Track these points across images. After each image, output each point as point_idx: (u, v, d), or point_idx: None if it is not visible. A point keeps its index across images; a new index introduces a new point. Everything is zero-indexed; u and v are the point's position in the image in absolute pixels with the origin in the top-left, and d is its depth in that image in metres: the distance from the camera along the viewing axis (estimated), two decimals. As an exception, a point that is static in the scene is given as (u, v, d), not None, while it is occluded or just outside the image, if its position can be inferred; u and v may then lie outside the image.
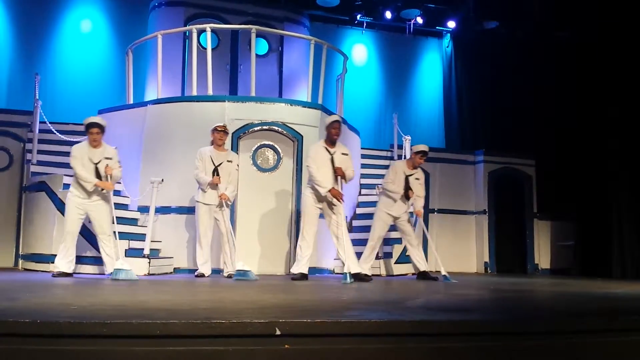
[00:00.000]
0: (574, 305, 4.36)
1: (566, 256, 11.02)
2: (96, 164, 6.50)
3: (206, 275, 7.10)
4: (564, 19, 11.32)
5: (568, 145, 11.03)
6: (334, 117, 7.11)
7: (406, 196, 7.58)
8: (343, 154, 6.96)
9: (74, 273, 6.61)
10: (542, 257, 11.29)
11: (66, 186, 7.67)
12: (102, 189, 6.49)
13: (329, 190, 6.72)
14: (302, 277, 6.72)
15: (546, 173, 11.38)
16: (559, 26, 11.59)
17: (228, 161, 7.21)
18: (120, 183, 7.21)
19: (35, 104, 8.60)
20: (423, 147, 7.72)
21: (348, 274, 6.31)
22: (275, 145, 8.34)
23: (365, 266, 7.48)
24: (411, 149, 8.06)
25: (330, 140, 6.93)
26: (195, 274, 7.12)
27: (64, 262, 6.46)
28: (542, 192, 11.35)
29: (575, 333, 3.05)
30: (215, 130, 7.22)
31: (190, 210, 7.81)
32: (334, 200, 6.79)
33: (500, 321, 3.13)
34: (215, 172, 7.07)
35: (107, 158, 6.58)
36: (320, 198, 6.83)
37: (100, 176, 6.50)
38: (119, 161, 6.80)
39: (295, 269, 6.84)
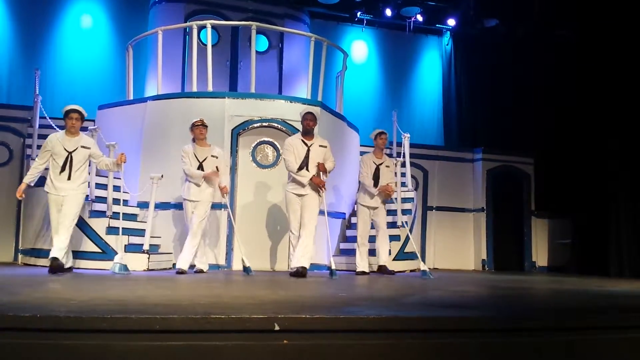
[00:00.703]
0: (572, 302, 4.39)
1: (563, 254, 11.06)
2: (70, 152, 6.24)
3: (205, 270, 7.09)
4: (564, 17, 11.33)
5: (567, 143, 11.05)
6: (308, 108, 7.08)
7: (376, 185, 7.68)
8: (321, 146, 6.86)
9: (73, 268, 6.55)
10: (540, 255, 11.33)
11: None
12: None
13: (311, 179, 6.66)
14: (302, 270, 6.51)
15: (545, 171, 11.42)
16: (559, 24, 11.60)
17: (212, 156, 7.02)
18: (120, 179, 7.14)
19: (35, 99, 8.60)
20: (378, 130, 7.97)
21: (299, 269, 6.46)
22: (275, 142, 8.35)
23: (363, 264, 7.58)
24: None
25: (306, 132, 6.85)
26: (195, 269, 7.05)
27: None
28: (541, 190, 11.39)
29: (572, 330, 3.08)
30: (193, 125, 7.02)
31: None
32: (319, 191, 6.71)
33: (498, 318, 3.15)
34: (200, 168, 6.92)
35: (83, 147, 6.32)
36: (300, 193, 6.72)
37: (72, 166, 6.23)
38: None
39: (293, 264, 6.69)
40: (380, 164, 7.77)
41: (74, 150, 6.26)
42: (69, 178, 6.23)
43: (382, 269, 7.69)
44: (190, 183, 6.95)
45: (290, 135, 8.33)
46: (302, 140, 6.81)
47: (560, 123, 11.30)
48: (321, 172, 6.75)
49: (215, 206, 7.93)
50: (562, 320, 3.19)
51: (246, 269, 6.81)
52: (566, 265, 10.80)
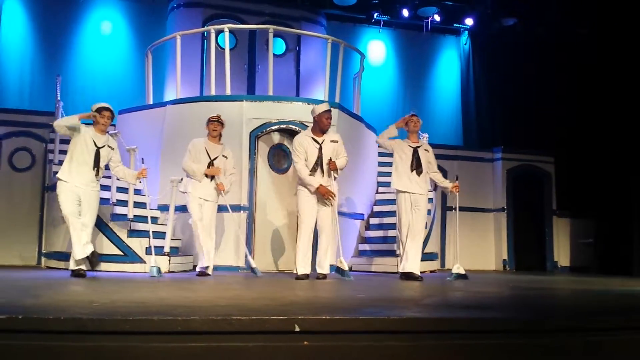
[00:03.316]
0: (594, 302, 4.33)
1: (586, 254, 10.93)
2: (99, 148, 6.17)
3: (205, 266, 6.98)
4: (584, 15, 11.20)
5: (588, 142, 10.92)
6: (325, 106, 6.48)
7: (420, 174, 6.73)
8: (332, 141, 6.44)
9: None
10: (562, 255, 11.21)
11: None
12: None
13: (317, 189, 6.25)
14: (305, 277, 6.28)
15: (566, 170, 11.28)
16: (578, 22, 11.47)
17: (223, 156, 6.92)
18: (141, 182, 7.18)
19: (56, 104, 8.73)
20: (408, 115, 7.04)
21: (346, 271, 6.22)
22: (287, 146, 8.43)
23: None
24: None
25: (321, 130, 6.43)
26: (198, 271, 6.92)
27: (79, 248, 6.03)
28: (562, 189, 11.26)
29: (595, 331, 3.03)
30: (209, 121, 6.91)
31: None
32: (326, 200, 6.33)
33: (519, 319, 3.12)
34: (211, 165, 6.81)
35: (109, 146, 6.28)
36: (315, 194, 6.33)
37: (99, 163, 6.16)
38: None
39: (298, 269, 6.38)
40: (418, 147, 6.79)
41: (102, 147, 6.20)
42: (97, 174, 6.17)
43: (408, 275, 6.66)
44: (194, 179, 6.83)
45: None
46: (313, 138, 6.40)
47: (581, 121, 11.17)
48: (332, 171, 6.34)
49: (234, 208, 7.99)
50: (584, 321, 3.15)
51: (253, 270, 6.71)
52: (589, 265, 10.67)
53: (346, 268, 6.31)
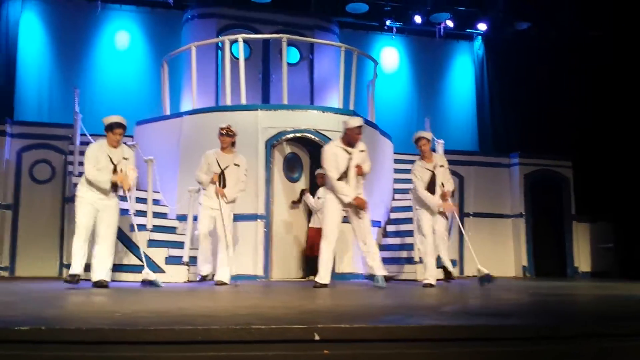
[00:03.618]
0: (616, 308, 4.28)
1: (606, 259, 10.79)
2: (115, 165, 6.13)
3: (203, 274, 7.08)
4: (598, 18, 11.12)
5: (606, 144, 10.81)
6: (358, 122, 6.49)
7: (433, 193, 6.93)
8: (361, 151, 6.49)
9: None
10: (582, 260, 11.08)
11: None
12: (122, 188, 6.11)
13: (354, 199, 6.28)
14: (322, 287, 6.19)
15: (584, 174, 11.17)
16: (592, 25, 11.39)
17: (235, 164, 6.92)
18: (158, 192, 7.24)
19: (75, 117, 8.85)
20: (415, 136, 7.17)
21: (380, 277, 6.21)
22: (299, 156, 8.49)
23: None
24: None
25: (349, 143, 6.43)
26: (198, 278, 7.05)
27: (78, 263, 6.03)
28: (581, 194, 11.14)
29: (616, 337, 3.00)
30: (219, 133, 6.96)
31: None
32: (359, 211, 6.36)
33: (539, 325, 3.09)
34: (222, 176, 6.85)
35: (124, 158, 6.21)
36: (345, 203, 6.37)
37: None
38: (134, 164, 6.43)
39: (319, 278, 6.30)
40: (434, 167, 6.97)
41: (118, 162, 6.17)
42: (115, 190, 6.16)
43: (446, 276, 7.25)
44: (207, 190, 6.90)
45: (323, 146, 8.37)
46: (344, 148, 6.40)
47: (598, 124, 11.06)
48: (359, 177, 6.40)
49: (251, 217, 8.02)
50: (605, 327, 3.11)
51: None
52: (610, 270, 10.53)
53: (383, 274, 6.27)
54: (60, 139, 9.35)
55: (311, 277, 8.10)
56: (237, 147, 7.47)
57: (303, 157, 8.85)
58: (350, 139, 6.42)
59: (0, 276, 8.78)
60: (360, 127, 6.44)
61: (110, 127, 6.14)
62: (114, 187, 6.14)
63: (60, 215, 9.02)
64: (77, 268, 6.02)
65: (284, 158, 8.50)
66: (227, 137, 6.93)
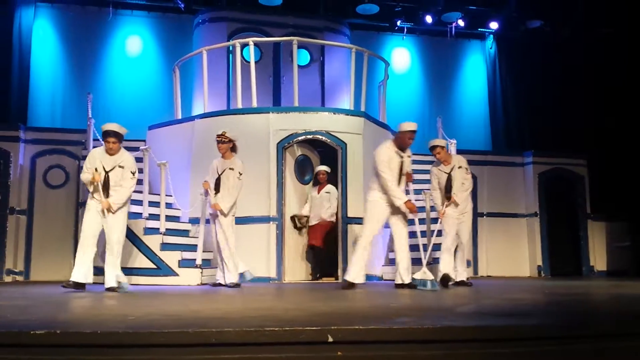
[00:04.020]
0: (633, 307, 4.22)
1: (623, 257, 10.67)
2: (108, 172, 6.08)
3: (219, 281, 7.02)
4: (610, 14, 11.02)
5: (620, 142, 10.69)
6: (412, 126, 6.49)
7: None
8: (408, 156, 6.58)
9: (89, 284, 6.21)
10: (598, 259, 10.96)
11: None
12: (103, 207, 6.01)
13: (405, 203, 6.26)
14: (350, 287, 6.16)
15: (599, 172, 11.05)
16: (605, 22, 11.28)
17: (230, 169, 6.85)
18: (171, 196, 7.24)
19: (88, 122, 8.91)
20: (430, 144, 7.27)
21: (430, 282, 6.12)
22: (310, 158, 8.47)
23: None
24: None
25: (400, 147, 6.45)
26: (230, 284, 6.89)
27: (79, 271, 6.00)
28: (596, 192, 11.03)
29: (634, 336, 2.95)
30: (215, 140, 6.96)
31: (240, 221, 7.99)
32: (408, 213, 6.38)
33: (555, 325, 3.06)
34: (218, 181, 6.83)
35: (120, 166, 6.12)
36: (392, 205, 6.34)
37: (108, 186, 6.05)
38: (133, 172, 6.21)
39: (348, 276, 6.25)
40: (451, 170, 7.07)
41: (112, 169, 6.11)
42: (107, 197, 6.06)
43: (460, 283, 6.98)
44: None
45: (334, 147, 8.39)
46: (397, 152, 6.42)
47: (613, 122, 10.94)
48: (409, 183, 6.61)
49: (263, 220, 8.04)
50: (623, 326, 3.07)
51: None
52: (626, 268, 10.41)
53: (431, 278, 6.20)
54: (73, 144, 9.42)
55: (324, 279, 8.13)
56: (248, 150, 7.47)
57: (314, 159, 8.85)
58: (402, 142, 6.45)
59: (15, 280, 8.85)
60: (413, 131, 6.48)
61: (103, 135, 6.22)
62: (105, 188, 6.03)
63: (74, 219, 9.09)
64: (75, 274, 6.02)
65: (295, 160, 8.50)
66: (222, 144, 6.86)
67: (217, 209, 6.75)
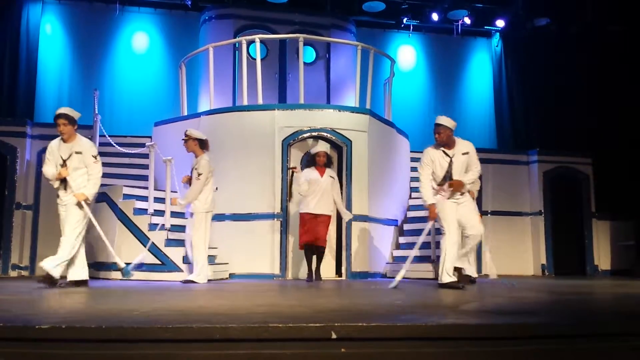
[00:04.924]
0: (637, 307, 4.22)
1: (627, 256, 10.64)
2: (65, 160, 5.80)
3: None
4: (617, 12, 10.96)
5: (626, 141, 10.65)
6: (438, 119, 6.14)
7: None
8: (464, 153, 6.10)
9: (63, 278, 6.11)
10: (602, 258, 10.93)
11: (126, 196, 7.97)
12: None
13: (429, 206, 6.01)
14: (455, 287, 5.83)
15: (604, 171, 11.02)
16: (612, 20, 11.23)
17: (195, 168, 7.00)
18: (176, 192, 7.29)
19: (94, 118, 8.93)
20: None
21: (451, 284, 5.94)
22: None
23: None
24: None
25: (444, 144, 6.08)
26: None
27: (53, 265, 5.83)
28: (601, 191, 11.00)
29: (638, 335, 2.96)
30: None
31: (245, 217, 8.02)
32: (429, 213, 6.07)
33: (559, 324, 3.06)
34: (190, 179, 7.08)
35: (77, 152, 5.82)
36: (455, 199, 6.05)
37: (65, 178, 5.82)
38: (94, 156, 5.93)
39: (445, 277, 5.92)
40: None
41: (68, 157, 5.83)
42: (65, 188, 5.85)
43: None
44: None
45: (339, 144, 8.40)
46: (444, 151, 6.09)
47: (618, 121, 10.91)
48: (459, 188, 6.03)
49: (268, 216, 8.06)
50: (627, 325, 3.07)
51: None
52: (630, 268, 10.38)
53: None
54: (80, 140, 9.43)
55: (325, 277, 8.06)
56: (254, 146, 7.50)
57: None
58: (438, 141, 6.10)
59: (20, 275, 8.90)
60: (439, 125, 6.06)
61: (54, 120, 5.89)
62: (64, 182, 5.84)
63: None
64: (72, 274, 6.12)
65: (303, 154, 8.43)
66: (185, 142, 7.11)
67: (173, 202, 7.03)
